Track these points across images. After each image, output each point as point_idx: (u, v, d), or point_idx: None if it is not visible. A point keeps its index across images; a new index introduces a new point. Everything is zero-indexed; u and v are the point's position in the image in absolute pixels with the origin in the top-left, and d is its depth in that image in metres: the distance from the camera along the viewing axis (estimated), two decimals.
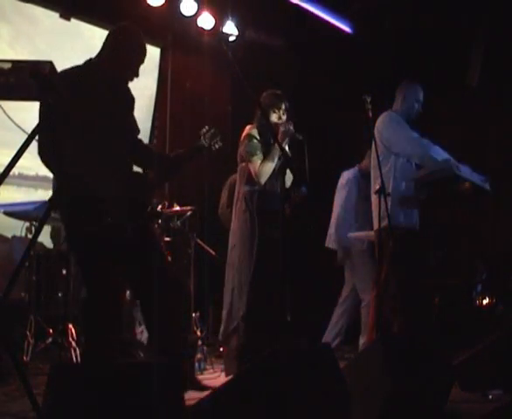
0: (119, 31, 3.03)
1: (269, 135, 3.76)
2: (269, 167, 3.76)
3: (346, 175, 5.22)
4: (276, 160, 3.77)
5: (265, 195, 3.82)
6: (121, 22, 3.09)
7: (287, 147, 3.75)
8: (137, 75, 3.05)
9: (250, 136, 3.85)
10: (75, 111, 2.71)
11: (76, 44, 5.47)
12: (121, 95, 3.09)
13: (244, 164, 3.93)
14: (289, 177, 3.65)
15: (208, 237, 5.20)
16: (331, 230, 5.21)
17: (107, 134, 2.88)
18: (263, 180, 3.77)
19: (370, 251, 4.98)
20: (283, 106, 3.90)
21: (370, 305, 4.77)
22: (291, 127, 3.68)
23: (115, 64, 2.98)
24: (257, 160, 3.79)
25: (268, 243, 3.69)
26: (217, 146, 3.59)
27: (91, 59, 3.00)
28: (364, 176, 5.09)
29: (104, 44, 3.03)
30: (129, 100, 3.16)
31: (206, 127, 3.53)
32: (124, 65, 3.00)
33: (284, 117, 3.89)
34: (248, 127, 3.92)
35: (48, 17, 5.37)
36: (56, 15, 5.40)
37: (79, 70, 2.94)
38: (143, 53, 3.05)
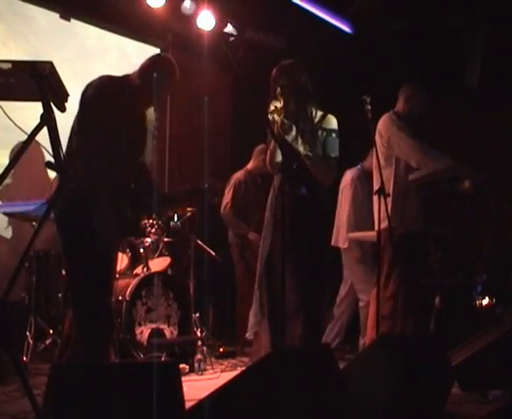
0: (160, 62, 3.20)
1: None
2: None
3: (349, 174, 5.21)
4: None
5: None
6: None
7: None
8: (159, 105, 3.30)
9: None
10: (101, 117, 2.86)
11: (71, 43, 5.46)
12: (142, 116, 3.17)
13: None
14: None
15: (208, 238, 5.20)
16: (340, 229, 5.19)
17: (123, 145, 2.97)
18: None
19: (370, 251, 4.98)
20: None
21: (368, 306, 4.78)
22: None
23: (147, 89, 3.09)
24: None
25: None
26: (216, 200, 3.58)
27: (129, 75, 3.16)
28: (367, 176, 5.10)
29: (143, 66, 3.17)
30: (145, 125, 3.23)
31: (213, 179, 3.52)
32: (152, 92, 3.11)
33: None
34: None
35: (43, 16, 5.35)
36: (51, 13, 5.38)
37: (118, 79, 3.09)
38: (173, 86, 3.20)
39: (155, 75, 3.09)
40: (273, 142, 3.42)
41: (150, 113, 3.23)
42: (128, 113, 2.98)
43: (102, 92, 2.96)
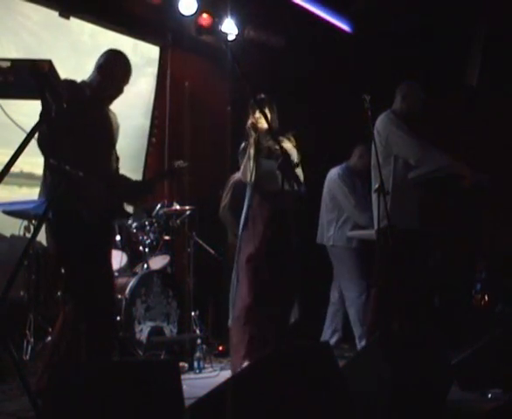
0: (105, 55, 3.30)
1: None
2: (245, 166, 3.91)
3: (334, 172, 5.24)
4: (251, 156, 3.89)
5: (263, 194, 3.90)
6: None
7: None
8: (121, 91, 3.29)
9: (241, 150, 4.02)
10: (72, 116, 2.90)
11: (64, 39, 5.41)
12: (106, 114, 3.30)
13: None
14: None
15: (207, 237, 5.20)
16: (324, 227, 5.21)
17: (96, 145, 3.11)
18: (246, 178, 3.93)
19: (357, 250, 4.99)
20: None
21: (355, 305, 4.80)
22: None
23: (103, 82, 3.22)
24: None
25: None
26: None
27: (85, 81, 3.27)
28: (353, 174, 5.11)
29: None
30: (111, 123, 3.35)
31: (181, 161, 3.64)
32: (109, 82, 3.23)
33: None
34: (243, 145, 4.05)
35: (36, 12, 5.29)
36: (43, 9, 5.32)
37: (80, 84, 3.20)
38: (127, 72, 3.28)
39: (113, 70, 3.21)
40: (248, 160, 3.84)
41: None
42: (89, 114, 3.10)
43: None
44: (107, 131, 3.26)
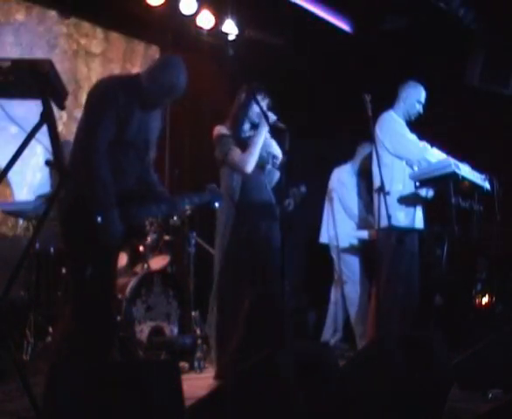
0: (167, 61, 3.19)
1: (242, 128, 3.81)
2: (253, 154, 3.70)
3: (339, 173, 5.22)
4: (259, 146, 3.72)
5: (251, 186, 3.80)
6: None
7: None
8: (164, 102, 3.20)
9: (221, 136, 3.82)
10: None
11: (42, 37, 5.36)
12: (152, 116, 3.13)
13: (223, 169, 3.87)
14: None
15: (208, 236, 5.20)
16: (328, 226, 5.20)
17: (129, 146, 2.96)
18: (249, 167, 3.69)
19: (361, 250, 5.00)
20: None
21: (357, 305, 4.80)
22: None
23: (154, 86, 3.03)
24: (234, 150, 3.74)
25: (254, 234, 3.73)
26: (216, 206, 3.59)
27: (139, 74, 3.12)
28: (358, 174, 5.12)
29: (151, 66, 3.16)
30: (157, 125, 3.20)
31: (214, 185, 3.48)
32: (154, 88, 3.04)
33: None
34: (217, 129, 3.88)
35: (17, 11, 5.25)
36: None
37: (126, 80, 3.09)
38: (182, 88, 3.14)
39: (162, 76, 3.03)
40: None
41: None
42: (130, 114, 2.94)
43: (101, 94, 2.94)
44: (144, 140, 3.07)
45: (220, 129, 3.84)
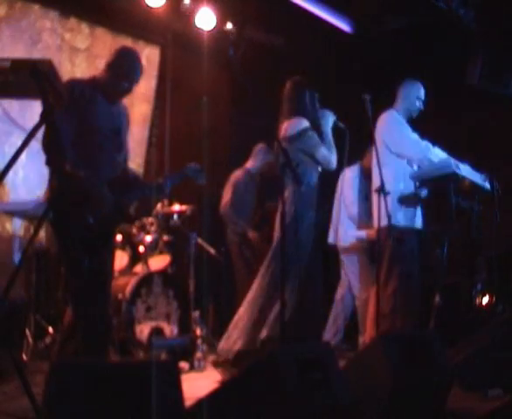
0: (120, 50, 3.26)
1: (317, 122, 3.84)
2: (335, 154, 3.89)
3: (349, 173, 5.20)
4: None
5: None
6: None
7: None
8: (129, 89, 3.24)
9: (306, 129, 3.83)
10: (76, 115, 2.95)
11: (25, 32, 5.28)
12: (117, 108, 3.26)
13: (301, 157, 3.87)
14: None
15: (208, 236, 5.20)
16: (337, 226, 5.18)
17: (101, 140, 3.09)
18: (334, 166, 3.91)
19: (369, 250, 4.99)
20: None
21: (364, 304, 4.80)
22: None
23: (112, 77, 3.17)
24: (321, 146, 3.86)
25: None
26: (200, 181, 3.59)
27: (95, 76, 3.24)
28: (365, 175, 5.09)
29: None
30: (125, 116, 3.33)
31: (193, 163, 3.54)
32: (120, 77, 3.17)
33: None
34: (297, 121, 3.87)
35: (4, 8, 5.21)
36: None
37: (85, 81, 3.19)
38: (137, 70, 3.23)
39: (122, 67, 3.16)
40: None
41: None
42: (91, 101, 3.06)
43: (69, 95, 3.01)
44: (113, 129, 3.20)
45: (303, 122, 3.85)
